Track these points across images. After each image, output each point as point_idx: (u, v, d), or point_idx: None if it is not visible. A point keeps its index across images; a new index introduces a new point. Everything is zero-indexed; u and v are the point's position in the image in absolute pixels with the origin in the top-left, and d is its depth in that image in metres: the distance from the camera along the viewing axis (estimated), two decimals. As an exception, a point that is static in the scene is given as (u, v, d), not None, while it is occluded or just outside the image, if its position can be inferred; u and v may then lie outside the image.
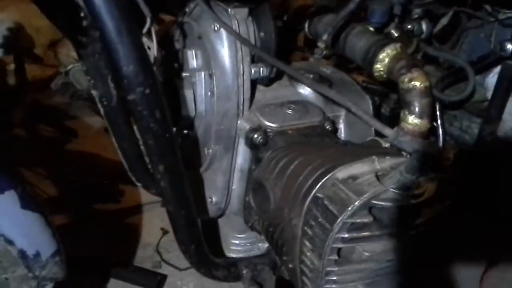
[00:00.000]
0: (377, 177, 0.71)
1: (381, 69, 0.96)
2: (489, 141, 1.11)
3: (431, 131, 0.89)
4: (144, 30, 0.68)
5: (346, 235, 0.69)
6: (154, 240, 1.81)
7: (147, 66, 0.68)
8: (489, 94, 1.15)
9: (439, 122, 1.07)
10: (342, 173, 0.72)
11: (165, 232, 1.80)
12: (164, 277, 1.65)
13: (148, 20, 0.68)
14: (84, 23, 0.76)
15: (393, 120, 1.00)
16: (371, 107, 0.98)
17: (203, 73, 0.91)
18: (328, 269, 0.72)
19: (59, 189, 1.91)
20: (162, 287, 1.63)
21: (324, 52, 1.02)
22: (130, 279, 1.62)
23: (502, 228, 1.26)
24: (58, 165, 2.03)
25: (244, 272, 1.02)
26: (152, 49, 0.75)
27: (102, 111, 0.87)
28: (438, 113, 1.07)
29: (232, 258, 1.06)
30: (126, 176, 0.99)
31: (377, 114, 1.06)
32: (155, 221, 1.87)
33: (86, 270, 1.60)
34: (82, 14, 0.75)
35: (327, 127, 0.94)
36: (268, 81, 0.94)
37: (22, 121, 2.10)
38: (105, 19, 0.63)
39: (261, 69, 0.89)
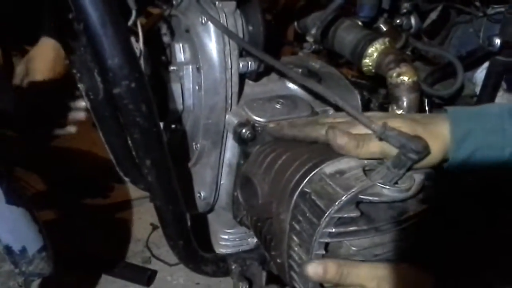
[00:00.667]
0: (365, 172, 0.71)
1: (370, 63, 0.96)
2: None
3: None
4: (130, 23, 0.68)
5: (333, 230, 0.68)
6: (144, 235, 1.81)
7: (132, 59, 0.67)
8: (477, 89, 1.16)
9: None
10: (329, 168, 0.72)
11: (155, 227, 1.80)
12: (154, 272, 1.66)
13: (134, 13, 0.67)
14: (69, 15, 0.74)
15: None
16: (359, 102, 0.98)
17: (190, 67, 0.90)
18: (316, 263, 0.72)
19: (48, 184, 1.90)
20: (152, 282, 1.64)
21: (313, 47, 1.01)
22: (120, 274, 1.62)
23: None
24: (46, 160, 2.01)
25: (233, 267, 1.02)
26: (138, 42, 0.74)
27: (88, 105, 0.86)
28: (426, 108, 1.07)
29: (221, 253, 1.05)
30: (115, 171, 0.98)
31: (366, 109, 1.06)
32: (145, 217, 1.87)
33: (75, 265, 1.59)
34: (67, 6, 0.74)
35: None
36: (257, 76, 0.94)
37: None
38: (89, 10, 0.62)
39: (249, 63, 0.88)
